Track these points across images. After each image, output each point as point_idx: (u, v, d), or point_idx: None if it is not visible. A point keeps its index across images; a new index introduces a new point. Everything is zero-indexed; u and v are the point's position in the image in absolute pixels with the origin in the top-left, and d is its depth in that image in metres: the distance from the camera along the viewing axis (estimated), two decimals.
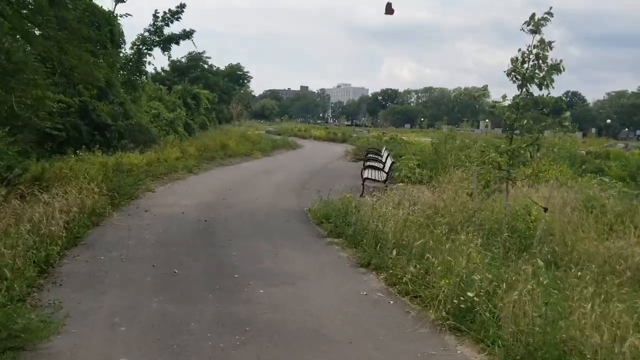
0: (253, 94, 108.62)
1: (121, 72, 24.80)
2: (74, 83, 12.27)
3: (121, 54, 24.26)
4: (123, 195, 11.59)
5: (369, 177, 13.98)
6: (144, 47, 24.85)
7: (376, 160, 18.18)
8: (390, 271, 6.65)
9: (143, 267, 6.93)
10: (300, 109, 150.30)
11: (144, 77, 25.88)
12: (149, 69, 29.59)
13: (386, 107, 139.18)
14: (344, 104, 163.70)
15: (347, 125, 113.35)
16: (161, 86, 32.84)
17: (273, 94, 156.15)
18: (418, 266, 6.38)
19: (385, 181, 13.68)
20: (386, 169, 13.91)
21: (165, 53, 25.32)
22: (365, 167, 15.20)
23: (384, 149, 20.79)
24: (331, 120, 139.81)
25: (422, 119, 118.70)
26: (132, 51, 25.04)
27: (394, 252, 6.88)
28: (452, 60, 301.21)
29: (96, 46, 11.37)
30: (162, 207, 11.27)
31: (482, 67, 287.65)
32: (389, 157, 16.03)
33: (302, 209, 11.69)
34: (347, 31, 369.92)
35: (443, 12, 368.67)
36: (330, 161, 24.90)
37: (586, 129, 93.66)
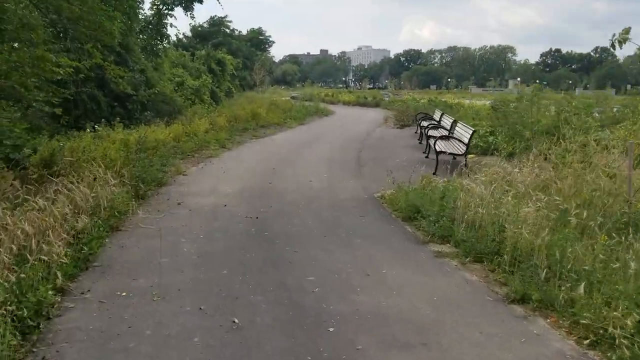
0: (274, 59, 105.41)
1: (140, 36, 22.26)
2: (82, 42, 9.66)
3: (140, 16, 21.72)
4: (149, 183, 9.19)
5: (443, 149, 11.31)
6: (164, 7, 22.09)
7: (435, 127, 15.43)
8: (583, 320, 4.09)
9: (185, 311, 4.48)
10: (321, 73, 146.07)
11: (165, 42, 23.17)
12: (171, 32, 27.03)
13: (409, 68, 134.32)
14: (366, 66, 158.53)
15: (369, 88, 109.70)
16: (184, 52, 30.18)
17: (293, 59, 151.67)
18: (635, 314, 3.82)
19: (465, 154, 11.02)
20: (464, 139, 11.21)
21: (188, 13, 22.52)
22: (434, 138, 12.51)
23: (441, 114, 17.96)
24: (352, 84, 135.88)
25: (449, 80, 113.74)
26: (152, 12, 22.34)
27: (581, 288, 4.31)
28: (474, 19, 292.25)
29: None
30: (198, 196, 8.84)
31: (504, 25, 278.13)
32: (458, 124, 13.29)
33: (371, 195, 9.14)
34: None
35: None
36: (372, 129, 22.16)
37: (619, 85, 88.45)
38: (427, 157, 13.37)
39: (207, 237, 6.63)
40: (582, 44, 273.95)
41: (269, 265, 5.67)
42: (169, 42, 23.49)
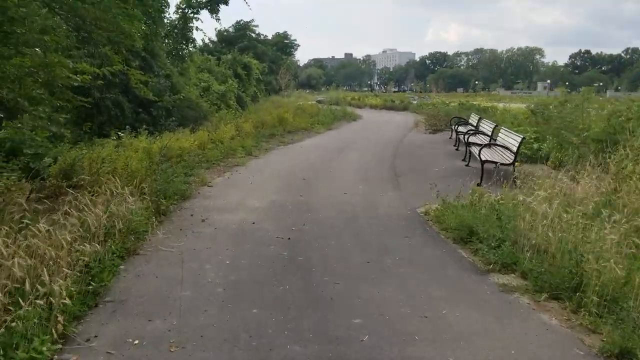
0: (298, 63, 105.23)
1: (166, 40, 21.81)
2: (100, 45, 8.95)
3: (165, 20, 21.29)
4: (172, 196, 8.47)
5: (489, 159, 10.33)
6: (189, 11, 21.55)
7: (474, 133, 14.42)
8: None
9: None
10: (345, 77, 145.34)
11: (191, 46, 22.63)
12: (197, 36, 26.63)
13: (435, 71, 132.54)
14: (391, 69, 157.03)
15: (395, 91, 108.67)
16: (210, 56, 29.67)
17: (317, 63, 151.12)
18: None
19: (512, 164, 10.02)
20: (512, 147, 10.20)
21: (214, 16, 21.93)
22: (477, 145, 11.55)
23: (479, 118, 16.92)
24: (377, 87, 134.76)
25: (476, 82, 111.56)
26: (177, 16, 21.85)
27: None
28: (500, 20, 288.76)
29: None
30: (224, 212, 8.06)
31: (532, 26, 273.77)
32: (502, 130, 12.25)
33: (413, 210, 8.23)
34: None
35: None
36: (403, 134, 21.20)
37: None
38: (467, 165, 12.39)
39: (234, 263, 5.82)
40: (613, 45, 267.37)
41: (306, 301, 4.81)
42: (194, 47, 22.97)
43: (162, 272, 5.47)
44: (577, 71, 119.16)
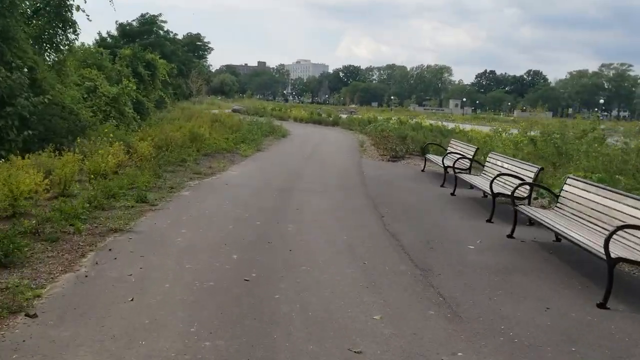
0: (210, 68, 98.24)
1: (33, 21, 15.30)
2: None
3: None
4: None
5: (624, 256, 5.19)
6: None
7: (507, 177, 9.50)
8: None
9: None
10: (259, 85, 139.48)
11: (70, 31, 15.98)
12: (79, 19, 20.06)
13: (348, 84, 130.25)
14: (304, 80, 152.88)
15: (309, 103, 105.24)
16: (101, 49, 22.88)
17: (230, 69, 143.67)
18: None
19: None
20: None
21: None
22: (527, 206, 6.56)
23: (476, 149, 12.04)
24: (291, 98, 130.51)
25: (392, 97, 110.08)
26: None
27: None
28: (409, 39, 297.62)
29: None
30: None
31: (439, 45, 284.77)
32: (569, 179, 7.32)
33: None
34: (306, 7, 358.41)
35: None
36: (356, 161, 16.06)
37: (555, 108, 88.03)
38: (511, 236, 7.39)
39: None
40: (513, 67, 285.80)
41: None
42: (75, 32, 16.30)
43: None
44: (482, 90, 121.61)
